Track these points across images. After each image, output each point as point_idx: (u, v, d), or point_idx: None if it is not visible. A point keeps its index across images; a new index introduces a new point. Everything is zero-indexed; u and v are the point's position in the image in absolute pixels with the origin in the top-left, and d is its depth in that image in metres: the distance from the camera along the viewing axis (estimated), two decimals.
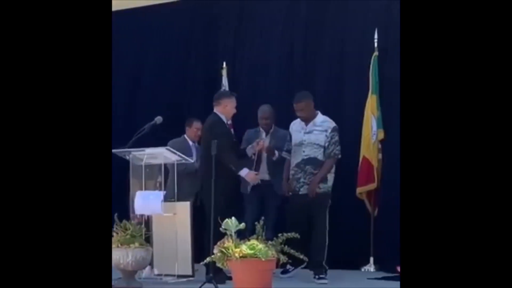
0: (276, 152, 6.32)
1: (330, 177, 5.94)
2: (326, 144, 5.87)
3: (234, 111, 6.03)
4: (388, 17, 6.82)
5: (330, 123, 5.94)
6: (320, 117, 5.98)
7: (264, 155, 6.40)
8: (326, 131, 5.89)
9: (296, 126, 6.04)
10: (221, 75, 7.35)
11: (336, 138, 5.92)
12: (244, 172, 5.90)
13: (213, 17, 7.88)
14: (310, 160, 5.88)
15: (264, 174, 6.42)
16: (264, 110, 6.54)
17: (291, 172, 5.97)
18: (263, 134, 6.51)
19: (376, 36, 6.56)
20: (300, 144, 5.93)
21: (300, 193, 5.88)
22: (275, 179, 6.36)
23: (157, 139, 5.86)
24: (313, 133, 5.92)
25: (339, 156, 5.93)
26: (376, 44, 6.55)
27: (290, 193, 5.98)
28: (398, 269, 4.54)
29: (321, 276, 5.73)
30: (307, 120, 5.94)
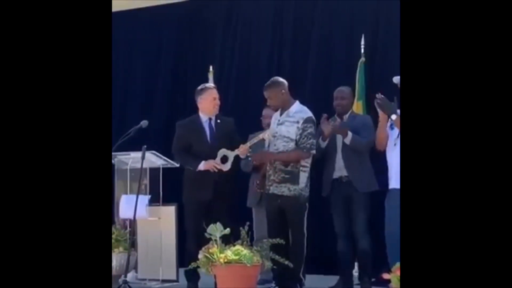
0: (350, 135, 5.55)
1: (303, 177, 5.38)
2: (298, 137, 5.34)
3: (213, 105, 5.72)
4: (375, 22, 6.85)
5: (304, 114, 5.39)
6: (294, 107, 5.45)
7: (339, 147, 5.63)
8: (298, 122, 5.35)
9: (273, 118, 5.59)
10: (208, 79, 7.34)
11: (310, 130, 5.35)
12: (201, 166, 5.56)
13: (201, 19, 7.87)
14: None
15: (341, 169, 5.64)
16: (341, 90, 5.84)
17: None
18: (337, 120, 5.74)
19: (363, 41, 6.57)
20: (273, 137, 5.45)
21: (270, 192, 5.41)
22: (355, 175, 5.61)
23: (144, 143, 5.81)
24: (284, 124, 5.40)
25: (313, 151, 5.38)
26: (362, 50, 6.56)
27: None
28: (384, 276, 4.52)
29: None
30: (280, 109, 5.49)
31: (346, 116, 5.74)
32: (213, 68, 7.34)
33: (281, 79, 5.58)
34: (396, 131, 5.13)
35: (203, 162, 5.56)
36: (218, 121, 5.77)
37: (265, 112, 6.09)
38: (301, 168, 5.40)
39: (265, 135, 5.46)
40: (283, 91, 5.49)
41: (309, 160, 5.46)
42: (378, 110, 5.19)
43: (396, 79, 5.18)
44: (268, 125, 5.83)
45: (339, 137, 5.65)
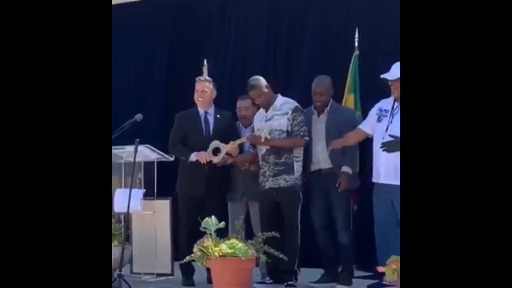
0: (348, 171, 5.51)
1: (297, 167, 5.47)
2: (290, 128, 5.43)
3: (196, 97, 5.76)
4: (370, 16, 6.85)
5: (291, 104, 5.49)
6: (279, 100, 5.54)
7: (323, 136, 5.60)
8: (287, 113, 5.45)
9: (259, 116, 5.64)
10: (202, 73, 7.32)
11: (300, 118, 5.45)
12: (193, 157, 5.60)
13: (196, 13, 7.86)
14: (272, 149, 5.44)
15: (324, 161, 5.61)
16: (320, 84, 5.69)
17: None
18: (315, 114, 5.69)
19: (356, 35, 6.57)
20: (269, 134, 5.44)
21: (266, 187, 5.46)
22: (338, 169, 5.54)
23: (139, 137, 5.81)
24: (273, 118, 5.48)
25: (306, 138, 5.46)
26: (356, 44, 6.57)
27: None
28: (379, 269, 4.55)
29: (289, 282, 5.38)
30: (266, 106, 5.55)
31: (327, 109, 5.71)
32: (207, 62, 7.34)
33: (259, 77, 5.61)
34: (384, 125, 5.13)
35: (194, 153, 5.59)
36: (218, 115, 5.80)
37: (240, 104, 6.04)
38: (294, 158, 5.47)
39: (262, 133, 5.45)
40: (265, 88, 5.54)
41: (301, 151, 5.52)
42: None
43: (383, 76, 5.20)
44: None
45: (319, 129, 5.64)
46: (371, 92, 6.34)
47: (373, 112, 5.31)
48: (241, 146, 5.76)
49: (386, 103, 5.24)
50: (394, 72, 5.08)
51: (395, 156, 4.88)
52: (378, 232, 5.15)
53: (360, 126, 5.39)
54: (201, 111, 5.80)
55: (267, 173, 5.47)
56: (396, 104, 5.13)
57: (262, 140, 5.42)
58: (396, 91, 5.10)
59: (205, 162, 5.57)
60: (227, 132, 5.74)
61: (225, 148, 5.57)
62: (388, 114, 5.15)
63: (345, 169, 5.50)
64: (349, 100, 6.51)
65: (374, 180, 5.22)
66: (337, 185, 5.48)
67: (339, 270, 5.69)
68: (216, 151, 5.59)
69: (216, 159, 5.58)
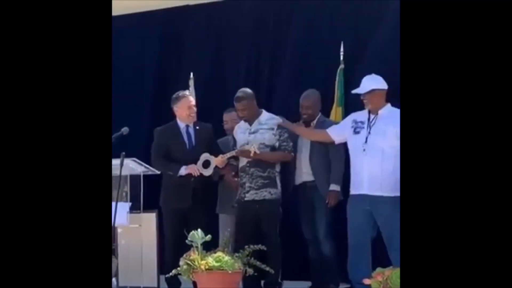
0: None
1: (278, 181, 5.59)
2: (277, 143, 5.52)
3: (188, 113, 5.76)
4: (355, 28, 6.89)
5: (276, 120, 5.60)
6: (264, 115, 5.63)
7: (307, 149, 5.71)
8: (272, 129, 5.55)
9: (240, 128, 5.70)
10: (189, 86, 7.33)
11: (286, 135, 5.56)
12: (183, 171, 5.62)
13: (183, 26, 7.88)
14: (256, 162, 5.51)
15: (307, 174, 5.74)
16: (307, 97, 5.82)
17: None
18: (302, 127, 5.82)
19: (342, 49, 6.61)
20: (244, 145, 5.55)
21: (246, 199, 5.52)
22: (321, 179, 5.67)
23: (125, 150, 5.79)
24: (259, 132, 5.56)
25: (292, 153, 5.61)
26: (342, 57, 6.60)
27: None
28: (365, 281, 4.56)
29: None
30: (250, 119, 5.62)
31: (314, 123, 5.78)
32: (193, 75, 7.34)
33: (250, 90, 5.69)
34: (363, 136, 5.15)
35: (184, 167, 5.59)
36: (197, 127, 5.80)
37: (226, 117, 6.14)
38: (276, 173, 5.58)
39: (251, 147, 5.47)
40: (254, 101, 5.63)
41: (279, 166, 5.61)
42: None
43: (355, 91, 5.26)
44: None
45: (304, 142, 5.70)
46: (358, 105, 6.38)
47: (347, 123, 5.38)
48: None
49: (361, 115, 5.31)
50: (364, 86, 5.16)
51: (380, 167, 4.92)
52: (353, 244, 5.15)
53: (328, 130, 5.43)
54: (181, 124, 5.80)
55: (247, 184, 5.52)
56: (372, 116, 5.19)
57: (251, 154, 5.42)
58: (369, 104, 5.18)
59: (197, 175, 5.56)
60: (209, 143, 5.77)
61: (215, 160, 5.60)
62: (365, 125, 5.19)
63: (334, 187, 5.56)
64: (338, 112, 6.55)
65: (354, 191, 5.23)
66: (326, 202, 5.52)
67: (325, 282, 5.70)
68: (206, 163, 5.61)
69: (206, 172, 5.62)
